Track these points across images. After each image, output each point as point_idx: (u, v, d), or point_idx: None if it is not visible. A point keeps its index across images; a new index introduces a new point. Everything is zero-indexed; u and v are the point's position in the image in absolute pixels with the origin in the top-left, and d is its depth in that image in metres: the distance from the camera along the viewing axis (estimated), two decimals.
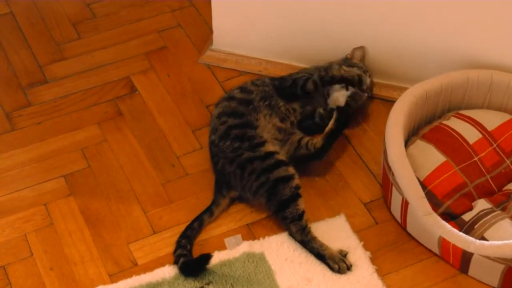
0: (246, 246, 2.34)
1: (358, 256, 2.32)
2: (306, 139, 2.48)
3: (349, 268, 2.29)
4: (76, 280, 2.30)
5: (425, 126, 2.51)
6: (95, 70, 2.83)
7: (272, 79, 2.63)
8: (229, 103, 2.53)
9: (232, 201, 2.46)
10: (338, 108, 2.50)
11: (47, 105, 2.73)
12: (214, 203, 2.43)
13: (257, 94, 2.54)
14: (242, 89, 2.57)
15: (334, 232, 2.38)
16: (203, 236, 2.38)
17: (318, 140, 2.47)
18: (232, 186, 2.42)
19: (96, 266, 2.33)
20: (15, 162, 2.57)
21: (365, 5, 2.57)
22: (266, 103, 2.52)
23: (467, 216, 2.32)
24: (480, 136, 2.43)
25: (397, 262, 2.32)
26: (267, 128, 2.47)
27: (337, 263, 2.29)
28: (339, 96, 2.57)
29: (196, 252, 2.33)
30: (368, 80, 2.61)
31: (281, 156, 2.40)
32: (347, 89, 2.56)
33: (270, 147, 2.41)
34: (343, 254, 2.31)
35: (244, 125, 2.45)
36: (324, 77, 2.56)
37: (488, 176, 2.38)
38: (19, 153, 2.59)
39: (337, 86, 2.58)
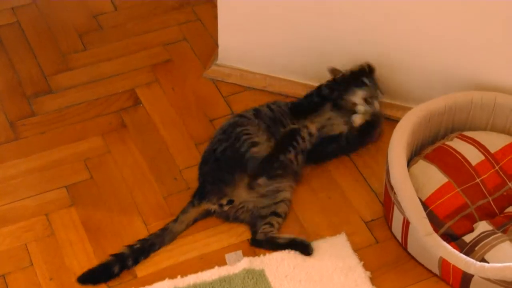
0: (246, 262, 2.34)
1: (358, 275, 2.32)
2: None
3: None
4: None
5: (428, 146, 2.51)
6: (100, 82, 2.84)
7: (288, 102, 2.65)
8: (241, 119, 2.56)
9: (206, 215, 2.45)
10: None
11: (51, 115, 2.73)
12: (183, 210, 2.44)
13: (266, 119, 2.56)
14: (256, 110, 2.59)
15: (334, 250, 2.37)
16: (203, 250, 2.39)
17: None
18: (206, 197, 2.43)
19: None
20: (17, 171, 2.57)
21: (370, 23, 2.57)
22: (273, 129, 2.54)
23: (468, 238, 2.31)
24: (483, 157, 2.43)
25: (397, 282, 2.32)
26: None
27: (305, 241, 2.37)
28: (356, 98, 2.59)
29: (198, 265, 2.34)
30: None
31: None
32: (361, 85, 2.59)
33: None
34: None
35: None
36: (335, 78, 2.61)
37: (489, 198, 2.38)
38: (22, 162, 2.60)
39: (352, 92, 2.59)
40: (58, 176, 2.57)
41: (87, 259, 2.37)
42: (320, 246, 2.39)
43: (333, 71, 2.65)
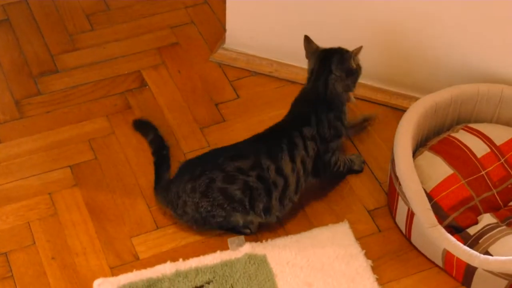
0: (248, 248, 2.34)
1: (360, 264, 2.32)
2: None
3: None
4: (77, 271, 2.30)
5: (434, 138, 2.51)
6: (106, 63, 2.83)
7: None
8: None
9: None
10: None
11: (56, 95, 2.73)
12: None
13: None
14: None
15: (336, 238, 2.38)
16: (206, 234, 2.39)
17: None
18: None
19: (97, 258, 2.33)
20: (22, 150, 2.57)
21: (378, 12, 2.57)
22: None
23: (472, 230, 2.32)
24: (488, 150, 2.43)
25: (399, 271, 2.33)
26: None
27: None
28: None
29: (200, 249, 2.34)
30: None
31: None
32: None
33: None
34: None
35: None
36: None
37: (494, 191, 2.38)
38: (26, 141, 2.60)
39: None
40: (62, 156, 2.57)
41: (89, 239, 2.37)
42: (323, 233, 2.39)
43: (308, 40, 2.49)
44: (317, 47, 2.47)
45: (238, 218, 2.35)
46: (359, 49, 2.42)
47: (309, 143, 2.37)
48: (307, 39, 2.47)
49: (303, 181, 2.38)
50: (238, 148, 2.37)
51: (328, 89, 2.41)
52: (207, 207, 2.32)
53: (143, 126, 2.62)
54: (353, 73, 2.42)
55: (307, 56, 2.48)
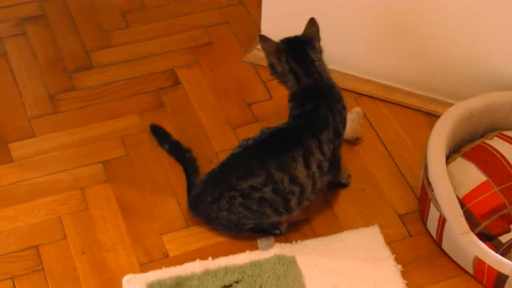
0: (278, 249, 2.34)
1: (389, 268, 2.31)
2: None
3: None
4: (107, 267, 2.31)
5: (467, 144, 2.49)
6: (140, 60, 2.85)
7: None
8: None
9: None
10: None
11: (90, 91, 2.74)
12: None
13: None
14: None
15: (366, 242, 2.37)
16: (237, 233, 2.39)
17: None
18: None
19: (127, 254, 2.34)
20: (55, 145, 2.59)
21: (413, 18, 2.56)
22: None
23: (504, 238, 2.30)
24: None
25: (428, 277, 2.32)
26: None
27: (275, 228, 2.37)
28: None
29: (229, 249, 2.35)
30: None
31: None
32: None
33: None
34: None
35: None
36: None
37: None
38: (59, 136, 2.61)
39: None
40: (94, 152, 2.58)
41: (119, 235, 2.38)
42: (352, 236, 2.38)
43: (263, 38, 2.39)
44: (274, 42, 2.37)
45: (271, 220, 2.35)
46: (311, 23, 2.38)
47: (326, 146, 2.31)
48: (263, 39, 2.36)
49: (319, 181, 2.34)
50: (247, 164, 2.30)
51: (323, 76, 2.37)
52: (236, 219, 2.33)
53: (158, 133, 2.60)
54: (321, 49, 2.40)
55: (269, 57, 2.38)
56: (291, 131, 2.33)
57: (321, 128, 2.31)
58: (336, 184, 2.50)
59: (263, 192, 2.28)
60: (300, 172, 2.28)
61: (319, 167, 2.31)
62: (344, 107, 2.39)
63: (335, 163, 2.39)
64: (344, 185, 2.51)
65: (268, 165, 2.27)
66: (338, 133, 2.36)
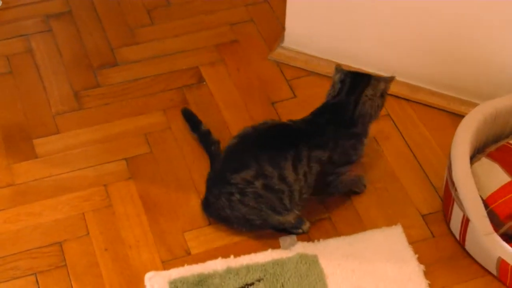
0: (300, 247, 2.34)
1: (412, 268, 2.30)
2: None
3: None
4: (129, 263, 2.32)
5: (492, 145, 2.48)
6: (165, 57, 2.85)
7: None
8: None
9: None
10: None
11: (115, 88, 2.75)
12: None
13: None
14: None
15: (389, 242, 2.36)
16: (257, 232, 2.38)
17: None
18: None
19: (150, 251, 2.35)
20: (79, 141, 2.60)
21: (438, 16, 2.54)
22: None
23: None
24: None
25: (451, 277, 2.30)
26: None
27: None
28: None
29: (251, 247, 2.35)
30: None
31: None
32: None
33: None
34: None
35: None
36: None
37: None
38: (84, 133, 2.62)
39: None
40: (118, 148, 2.59)
41: (142, 233, 2.39)
42: (375, 236, 2.37)
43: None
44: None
45: (274, 219, 2.34)
46: (392, 78, 2.39)
47: (314, 165, 2.31)
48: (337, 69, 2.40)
49: (304, 192, 2.32)
50: (241, 157, 2.30)
51: (357, 106, 2.36)
52: (241, 216, 2.33)
53: (189, 118, 2.61)
54: (385, 95, 2.39)
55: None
56: (291, 130, 2.35)
57: (317, 146, 2.31)
58: (350, 191, 2.48)
59: (255, 186, 2.27)
60: (289, 172, 2.28)
61: (305, 177, 2.30)
62: (355, 145, 2.37)
63: (324, 186, 2.37)
64: (356, 193, 2.49)
65: (260, 157, 2.27)
66: (333, 163, 2.34)
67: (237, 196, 2.29)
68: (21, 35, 2.90)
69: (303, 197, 2.33)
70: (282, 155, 2.28)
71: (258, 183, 2.27)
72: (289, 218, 2.34)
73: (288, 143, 2.30)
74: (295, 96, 2.75)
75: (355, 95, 2.36)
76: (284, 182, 2.28)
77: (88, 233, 2.39)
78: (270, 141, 2.32)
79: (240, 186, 2.28)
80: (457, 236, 2.36)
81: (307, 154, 2.30)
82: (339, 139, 2.34)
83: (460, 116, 2.57)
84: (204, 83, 2.78)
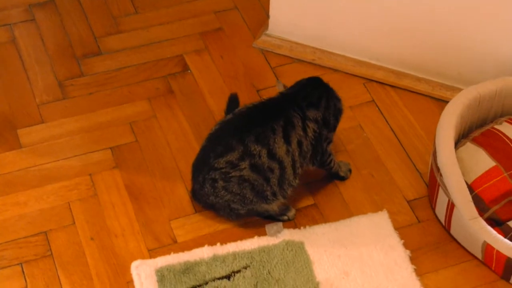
0: (286, 234, 2.34)
1: (398, 254, 2.31)
2: None
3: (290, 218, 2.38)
4: (116, 252, 2.32)
5: (476, 129, 2.48)
6: (149, 46, 2.84)
7: None
8: None
9: None
10: None
11: (99, 77, 2.74)
12: None
13: None
14: None
15: (375, 227, 2.37)
16: (244, 220, 2.39)
17: None
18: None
19: (136, 240, 2.35)
20: (64, 131, 2.59)
21: (423, 1, 2.54)
22: None
23: None
24: None
25: (437, 262, 2.31)
26: None
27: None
28: None
29: (237, 234, 2.35)
30: None
31: None
32: None
33: None
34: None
35: None
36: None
37: None
38: (68, 122, 2.62)
39: None
40: (103, 138, 2.58)
41: (128, 221, 2.38)
42: (361, 222, 2.38)
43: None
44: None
45: (259, 207, 2.33)
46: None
47: (310, 124, 2.28)
48: None
49: (300, 164, 2.30)
50: (224, 139, 2.28)
51: None
52: (225, 204, 2.32)
53: (231, 104, 2.51)
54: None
55: None
56: (273, 103, 2.33)
57: (309, 104, 2.30)
58: (334, 176, 2.48)
59: (240, 168, 2.25)
60: (279, 146, 2.25)
61: (300, 145, 2.28)
62: (340, 110, 2.38)
63: (319, 153, 2.37)
64: (342, 178, 2.48)
65: (246, 138, 2.24)
66: (327, 123, 2.34)
67: (221, 182, 2.28)
68: (4, 25, 2.89)
69: (297, 173, 2.30)
70: (269, 129, 2.25)
71: (244, 164, 2.25)
72: (274, 206, 2.34)
73: (274, 115, 2.28)
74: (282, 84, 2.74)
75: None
76: (274, 159, 2.26)
77: (74, 223, 2.38)
78: (253, 120, 2.29)
79: (224, 171, 2.27)
80: (443, 221, 2.36)
81: (300, 115, 2.28)
82: (331, 99, 2.34)
83: (444, 102, 2.58)
84: (189, 71, 2.77)
